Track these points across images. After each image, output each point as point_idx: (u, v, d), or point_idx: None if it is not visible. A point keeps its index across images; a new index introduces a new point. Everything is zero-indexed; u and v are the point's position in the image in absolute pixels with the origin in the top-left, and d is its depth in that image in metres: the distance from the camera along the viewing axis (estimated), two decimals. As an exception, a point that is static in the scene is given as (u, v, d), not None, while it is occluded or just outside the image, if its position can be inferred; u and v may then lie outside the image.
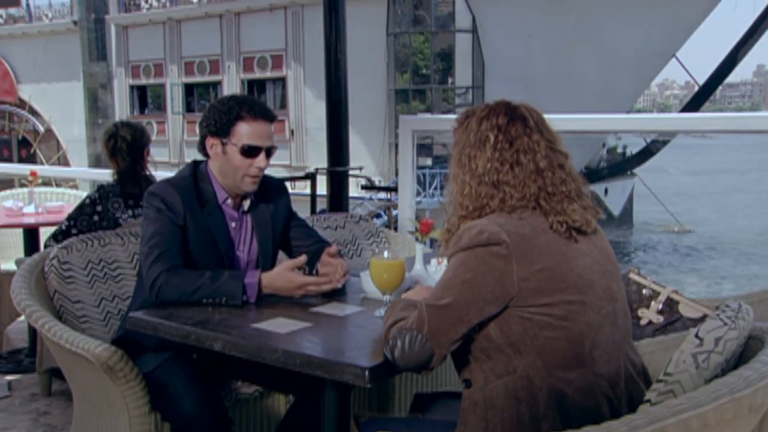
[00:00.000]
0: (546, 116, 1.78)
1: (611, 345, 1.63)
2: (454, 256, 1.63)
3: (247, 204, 2.34)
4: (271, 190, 2.39)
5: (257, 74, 26.64)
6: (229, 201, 2.30)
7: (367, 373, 1.60)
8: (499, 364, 1.61)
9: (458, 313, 1.57)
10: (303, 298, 2.14)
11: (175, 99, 28.61)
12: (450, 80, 25.20)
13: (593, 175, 25.39)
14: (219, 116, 2.23)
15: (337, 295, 2.22)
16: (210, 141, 2.26)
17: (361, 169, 7.31)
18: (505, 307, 1.58)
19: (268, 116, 2.26)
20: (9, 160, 31.39)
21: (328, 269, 2.25)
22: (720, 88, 33.80)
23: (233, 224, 2.31)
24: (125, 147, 3.35)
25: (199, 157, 2.36)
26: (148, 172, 3.41)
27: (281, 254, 2.57)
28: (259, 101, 2.31)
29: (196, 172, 2.30)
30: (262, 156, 2.24)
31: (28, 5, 32.20)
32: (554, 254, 1.59)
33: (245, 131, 2.21)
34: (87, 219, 3.25)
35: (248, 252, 2.34)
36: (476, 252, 1.58)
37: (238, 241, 2.32)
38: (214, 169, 2.29)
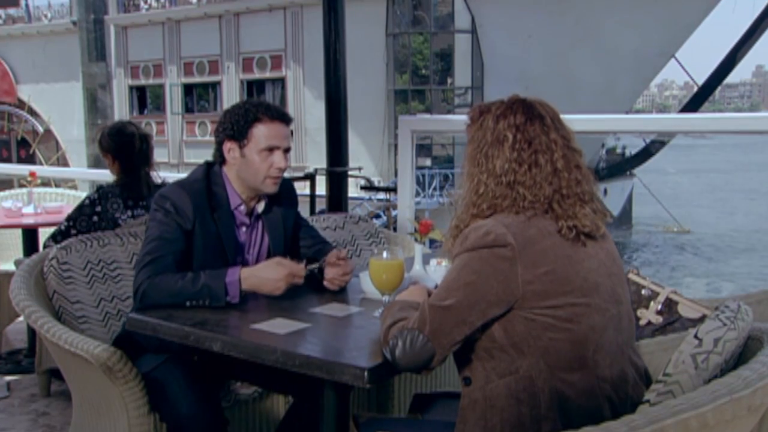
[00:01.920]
0: None
1: (614, 348, 1.63)
2: (458, 257, 1.62)
3: (261, 207, 2.32)
4: (281, 193, 2.36)
5: (256, 75, 26.64)
6: (242, 207, 2.28)
7: (366, 373, 1.60)
8: (501, 363, 1.60)
9: (461, 314, 1.57)
10: (299, 298, 2.13)
11: (174, 99, 28.60)
12: (449, 81, 25.21)
13: (592, 175, 25.31)
14: (236, 119, 2.22)
15: (336, 295, 2.22)
16: (227, 145, 2.23)
17: (360, 169, 7.30)
18: (509, 309, 1.58)
19: (284, 118, 2.27)
20: (8, 160, 31.37)
21: (335, 270, 2.25)
22: (719, 88, 33.81)
23: (244, 229, 2.30)
24: (153, 145, 3.39)
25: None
26: (154, 172, 3.43)
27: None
28: (275, 105, 2.31)
29: (209, 174, 2.27)
30: (280, 155, 2.23)
31: (27, 6, 32.19)
32: (559, 257, 1.59)
33: (263, 133, 2.21)
34: (86, 219, 3.24)
35: (257, 255, 2.34)
36: (481, 254, 1.58)
37: (248, 245, 2.31)
38: (231, 175, 2.26)
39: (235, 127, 2.22)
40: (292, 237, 2.43)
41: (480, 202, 1.67)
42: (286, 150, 2.26)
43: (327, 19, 4.81)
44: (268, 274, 2.09)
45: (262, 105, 2.25)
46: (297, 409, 2.29)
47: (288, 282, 2.09)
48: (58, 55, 28.72)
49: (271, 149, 2.22)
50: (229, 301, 2.07)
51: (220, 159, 2.27)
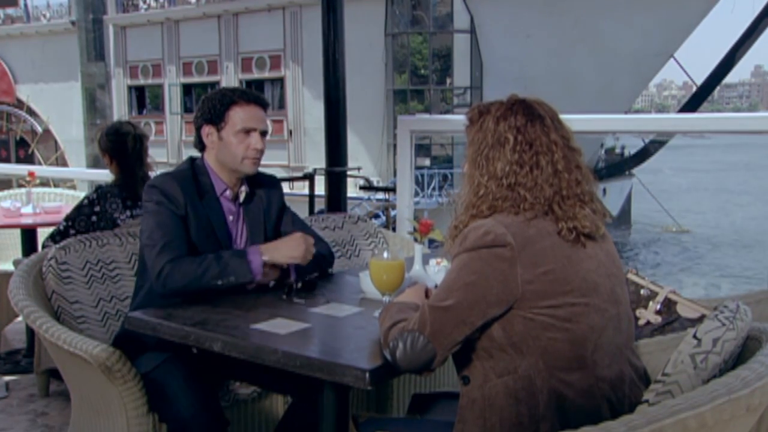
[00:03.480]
0: None
1: (613, 348, 1.63)
2: (458, 257, 1.62)
3: (242, 196, 2.36)
4: (264, 186, 2.42)
5: (255, 74, 26.62)
6: (228, 192, 2.32)
7: (367, 375, 1.59)
8: (500, 363, 1.60)
9: (461, 314, 1.57)
10: (301, 299, 2.14)
11: (173, 99, 28.58)
12: (448, 80, 25.20)
13: (591, 175, 25.29)
14: (212, 104, 2.28)
15: (336, 295, 2.22)
16: (206, 130, 2.29)
17: (359, 169, 7.31)
18: (508, 309, 1.58)
19: (260, 101, 2.32)
20: (7, 160, 31.32)
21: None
22: (718, 88, 33.80)
23: (231, 217, 2.34)
24: (148, 145, 3.39)
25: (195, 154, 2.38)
26: (152, 172, 3.43)
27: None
28: (250, 90, 2.36)
29: (193, 166, 2.32)
30: (257, 137, 2.27)
31: (25, 5, 32.15)
32: (559, 257, 1.59)
33: (239, 116, 2.26)
34: (85, 219, 3.24)
35: (244, 245, 2.35)
36: (480, 254, 1.58)
37: (235, 233, 2.34)
38: (211, 160, 2.31)
39: (212, 111, 2.27)
40: (276, 232, 2.44)
41: (480, 203, 1.67)
42: (263, 132, 2.30)
43: (326, 19, 4.81)
44: (288, 241, 2.21)
45: (238, 89, 2.32)
46: (296, 409, 2.29)
47: (306, 254, 2.19)
48: (57, 54, 28.68)
49: (247, 131, 2.26)
50: (253, 278, 2.13)
51: (199, 145, 2.33)
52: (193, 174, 2.29)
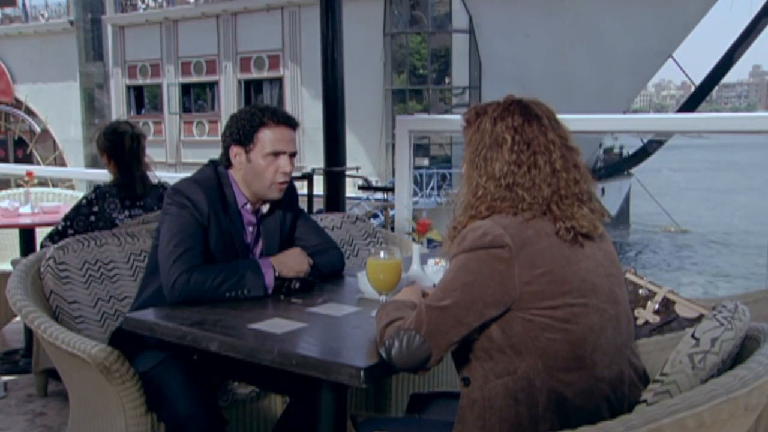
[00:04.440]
0: None
1: (613, 348, 1.63)
2: (456, 257, 1.62)
3: (265, 208, 2.35)
4: (284, 196, 2.38)
5: (254, 74, 26.62)
6: (248, 206, 2.32)
7: (362, 373, 1.60)
8: (499, 364, 1.60)
9: (458, 315, 1.57)
10: (297, 298, 2.14)
11: (171, 99, 28.55)
12: (447, 80, 25.20)
13: (590, 175, 25.30)
14: (242, 124, 2.24)
15: (333, 295, 2.22)
16: (234, 150, 2.26)
17: (358, 169, 7.33)
18: (506, 310, 1.58)
19: (290, 123, 2.28)
20: (5, 160, 31.29)
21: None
22: (716, 88, 33.82)
23: (250, 229, 2.33)
24: (146, 145, 3.39)
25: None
26: (150, 172, 3.42)
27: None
28: (281, 109, 2.33)
29: (218, 175, 2.30)
30: (286, 159, 2.25)
31: (24, 5, 32.12)
32: (557, 257, 1.59)
33: (268, 137, 2.23)
34: (83, 219, 3.24)
35: (259, 255, 2.35)
36: (478, 254, 1.57)
37: (252, 245, 2.34)
38: (237, 178, 2.29)
39: (241, 131, 2.24)
40: (288, 239, 2.44)
41: (478, 204, 1.67)
42: (292, 154, 2.28)
43: (324, 18, 4.81)
44: (294, 257, 2.25)
45: (268, 109, 2.27)
46: (294, 408, 2.29)
47: (305, 263, 2.26)
48: (56, 54, 28.64)
49: (276, 154, 2.24)
50: (266, 291, 2.14)
51: (227, 163, 2.30)
52: (218, 183, 2.27)
